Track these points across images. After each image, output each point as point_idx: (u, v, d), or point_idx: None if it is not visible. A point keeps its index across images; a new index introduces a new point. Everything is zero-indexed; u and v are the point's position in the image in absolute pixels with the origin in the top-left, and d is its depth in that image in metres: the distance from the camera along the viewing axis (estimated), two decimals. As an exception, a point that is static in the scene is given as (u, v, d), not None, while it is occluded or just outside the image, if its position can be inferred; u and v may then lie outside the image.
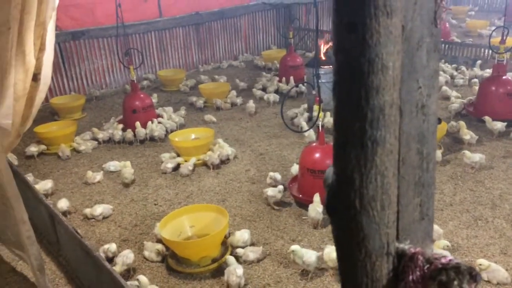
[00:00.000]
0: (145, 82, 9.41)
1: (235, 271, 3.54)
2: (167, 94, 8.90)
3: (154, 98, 7.95)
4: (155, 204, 4.98)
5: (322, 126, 4.73)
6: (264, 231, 4.37)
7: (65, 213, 4.68)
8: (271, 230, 4.38)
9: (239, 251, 3.93)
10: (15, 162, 5.89)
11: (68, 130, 6.61)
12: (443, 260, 0.89)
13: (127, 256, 3.82)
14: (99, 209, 4.67)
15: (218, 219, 4.12)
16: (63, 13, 8.19)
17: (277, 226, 4.43)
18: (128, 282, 3.43)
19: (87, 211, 4.72)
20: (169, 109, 7.57)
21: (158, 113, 7.23)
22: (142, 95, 7.03)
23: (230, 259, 3.72)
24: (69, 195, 5.24)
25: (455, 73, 8.55)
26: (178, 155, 5.93)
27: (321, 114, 4.62)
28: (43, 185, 5.11)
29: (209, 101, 7.98)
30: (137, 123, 6.58)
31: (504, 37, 6.33)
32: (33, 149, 6.26)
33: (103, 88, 9.26)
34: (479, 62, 8.65)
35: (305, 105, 7.16)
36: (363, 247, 0.92)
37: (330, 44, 7.25)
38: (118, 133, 6.59)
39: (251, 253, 3.90)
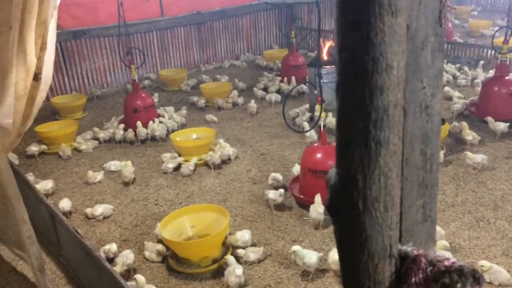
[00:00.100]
0: (146, 82, 9.42)
1: (234, 271, 3.54)
2: (168, 94, 8.90)
3: (156, 98, 7.95)
4: (155, 204, 4.98)
5: (324, 126, 4.72)
6: (265, 231, 4.36)
7: (66, 214, 4.68)
8: (272, 230, 4.37)
9: (240, 251, 3.92)
10: (16, 162, 5.90)
11: (69, 130, 6.61)
12: (446, 263, 0.87)
13: (127, 256, 3.81)
14: (99, 209, 4.67)
15: (219, 219, 4.11)
16: (64, 12, 8.19)
17: (278, 226, 4.42)
18: (128, 283, 3.42)
19: (88, 211, 4.72)
20: (170, 108, 7.57)
21: (159, 113, 7.23)
22: (143, 95, 7.04)
23: (230, 259, 3.71)
24: (70, 194, 5.23)
25: (457, 73, 8.54)
26: (179, 155, 5.92)
27: (323, 114, 4.61)
28: (44, 185, 5.11)
29: (211, 100, 7.98)
30: (138, 123, 6.58)
31: (507, 38, 6.32)
32: (34, 148, 6.26)
33: (104, 88, 9.26)
34: (482, 62, 8.63)
35: (307, 105, 7.15)
36: (365, 248, 0.91)
37: (331, 43, 7.23)
38: (119, 133, 6.59)
39: (252, 254, 3.89)
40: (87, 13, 8.80)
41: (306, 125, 6.29)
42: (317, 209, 4.23)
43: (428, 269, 0.89)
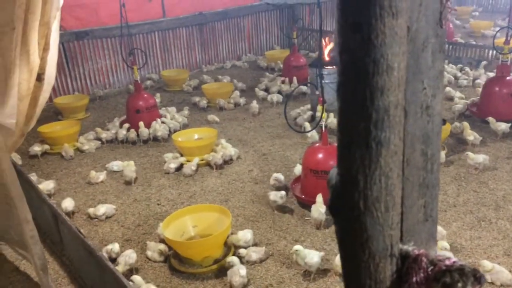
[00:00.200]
0: (148, 82, 9.42)
1: (238, 271, 3.54)
2: (170, 94, 8.90)
3: (158, 98, 7.96)
4: (158, 204, 4.99)
5: (325, 126, 4.73)
6: (266, 231, 4.37)
7: (69, 214, 4.69)
8: (274, 230, 4.37)
9: (242, 251, 3.93)
10: (19, 162, 5.91)
11: (71, 130, 6.63)
12: (447, 262, 0.88)
13: (129, 256, 3.82)
14: (102, 209, 4.67)
15: (221, 219, 4.12)
16: (67, 13, 8.21)
17: (279, 226, 4.43)
18: (131, 282, 3.44)
19: (90, 210, 4.73)
20: (172, 109, 7.58)
21: (161, 113, 7.24)
22: (145, 95, 7.04)
23: (234, 259, 3.72)
24: (72, 194, 5.25)
25: (459, 73, 8.53)
26: (181, 155, 5.93)
27: (324, 114, 4.62)
28: (46, 186, 5.12)
29: (212, 101, 7.98)
30: (141, 123, 6.59)
31: (508, 38, 6.31)
32: (36, 148, 6.28)
33: (107, 88, 9.27)
34: (484, 63, 8.62)
35: (308, 106, 7.16)
36: (366, 248, 0.92)
37: (332, 43, 7.23)
38: (121, 133, 6.61)
39: (254, 253, 3.90)
40: (90, 14, 8.81)
41: (308, 126, 6.29)
42: (319, 209, 4.24)
43: (429, 269, 0.89)
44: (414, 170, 0.95)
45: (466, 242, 3.98)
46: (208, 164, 5.76)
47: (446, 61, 9.10)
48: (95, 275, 3.44)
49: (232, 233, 4.19)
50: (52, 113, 8.01)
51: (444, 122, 5.43)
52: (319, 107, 4.87)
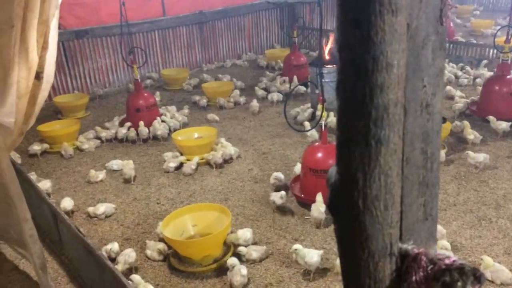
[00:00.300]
0: (148, 81, 9.41)
1: (239, 270, 3.54)
2: (170, 93, 8.90)
3: (158, 97, 7.95)
4: (157, 203, 4.98)
5: (325, 125, 4.72)
6: (266, 230, 4.36)
7: (68, 212, 4.68)
8: (274, 229, 4.37)
9: (242, 249, 3.92)
10: (18, 161, 5.91)
11: (71, 129, 6.62)
12: (446, 261, 0.87)
13: (129, 255, 3.82)
14: (101, 208, 4.67)
15: (221, 218, 4.11)
16: (67, 12, 8.20)
17: (279, 225, 4.42)
18: (130, 281, 3.43)
19: (90, 209, 4.72)
20: (172, 108, 7.57)
21: (161, 112, 7.23)
22: (145, 94, 7.03)
23: (234, 259, 3.70)
24: (72, 193, 5.24)
25: (459, 72, 8.52)
26: (181, 154, 5.93)
27: (324, 113, 4.61)
28: (42, 185, 5.09)
29: (212, 100, 7.98)
30: (141, 122, 6.58)
31: (509, 37, 6.30)
32: (36, 147, 6.27)
33: (107, 87, 9.26)
34: (485, 62, 8.61)
35: (308, 104, 7.15)
36: (366, 247, 0.91)
37: (332, 42, 7.22)
38: (121, 132, 6.60)
39: (254, 252, 3.89)
40: (90, 13, 8.79)
41: (307, 125, 6.29)
42: (318, 208, 4.23)
43: (429, 268, 0.89)
44: (414, 168, 0.94)
45: (466, 241, 3.97)
46: (208, 163, 5.75)
47: (447, 60, 9.09)
48: (95, 274, 3.44)
49: (231, 232, 4.19)
50: (52, 112, 8.00)
51: (444, 120, 5.42)
52: (319, 106, 4.86)
